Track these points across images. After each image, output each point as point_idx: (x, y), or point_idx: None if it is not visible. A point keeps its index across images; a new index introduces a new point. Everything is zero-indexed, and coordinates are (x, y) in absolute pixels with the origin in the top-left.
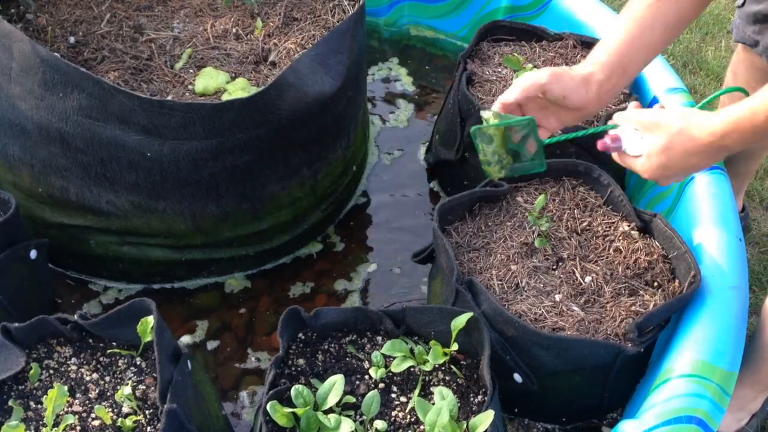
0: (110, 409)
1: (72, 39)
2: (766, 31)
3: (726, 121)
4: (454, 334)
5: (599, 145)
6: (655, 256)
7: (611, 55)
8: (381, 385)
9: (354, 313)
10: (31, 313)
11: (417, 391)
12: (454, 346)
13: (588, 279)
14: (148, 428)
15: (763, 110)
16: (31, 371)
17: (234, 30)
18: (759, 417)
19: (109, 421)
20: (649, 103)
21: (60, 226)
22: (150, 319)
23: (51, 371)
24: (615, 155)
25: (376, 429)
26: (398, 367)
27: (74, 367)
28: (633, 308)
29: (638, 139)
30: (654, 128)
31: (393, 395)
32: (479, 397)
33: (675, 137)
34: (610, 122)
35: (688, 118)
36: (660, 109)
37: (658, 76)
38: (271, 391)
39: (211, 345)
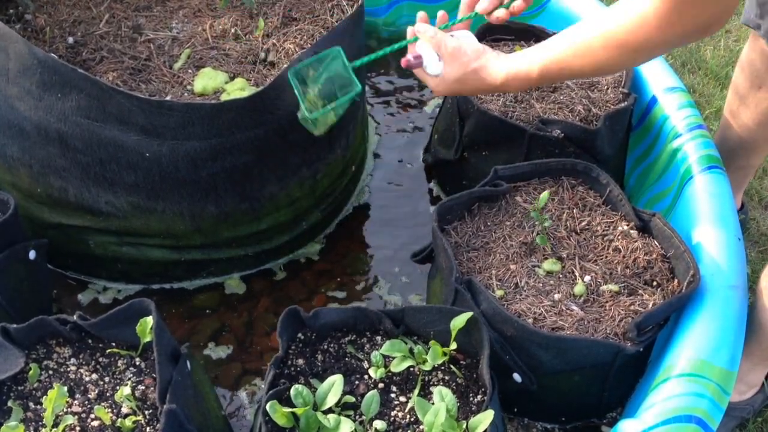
0: (110, 410)
1: (71, 39)
2: (766, 15)
3: (510, 71)
4: (453, 334)
5: (402, 62)
6: (654, 256)
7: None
8: (380, 385)
9: (353, 313)
10: (30, 314)
11: (416, 391)
12: (453, 346)
13: (587, 278)
14: (148, 428)
15: (536, 68)
16: (31, 372)
17: (233, 30)
18: (765, 392)
19: (108, 422)
20: (648, 102)
21: (59, 226)
22: (149, 320)
23: (50, 372)
24: (415, 70)
25: (376, 429)
26: (398, 366)
27: (73, 368)
28: (632, 307)
29: (437, 62)
30: (452, 60)
31: (392, 395)
32: (479, 397)
33: (469, 75)
34: (410, 35)
35: (483, 59)
36: (460, 39)
37: (657, 75)
38: (270, 391)
39: (211, 345)
